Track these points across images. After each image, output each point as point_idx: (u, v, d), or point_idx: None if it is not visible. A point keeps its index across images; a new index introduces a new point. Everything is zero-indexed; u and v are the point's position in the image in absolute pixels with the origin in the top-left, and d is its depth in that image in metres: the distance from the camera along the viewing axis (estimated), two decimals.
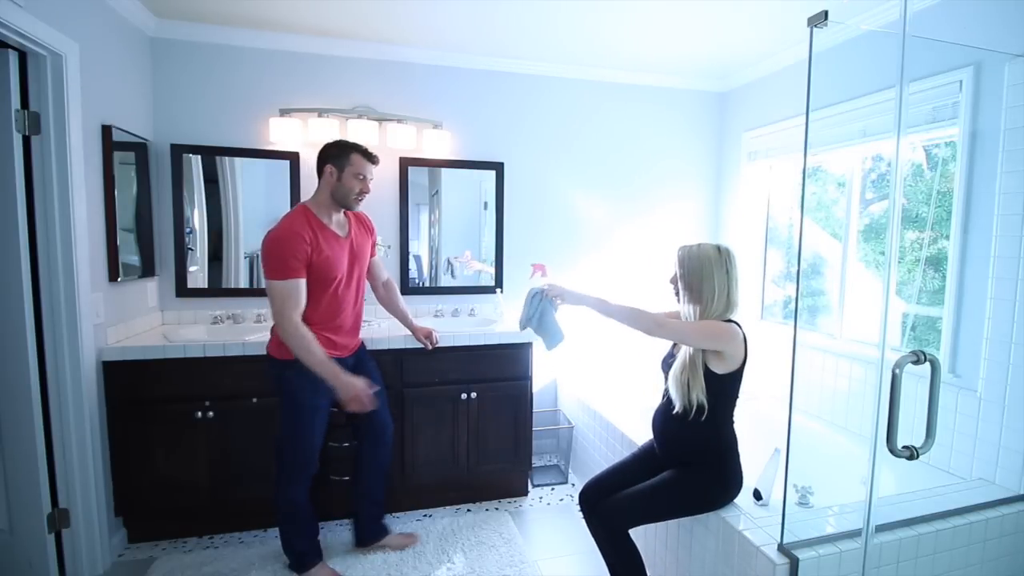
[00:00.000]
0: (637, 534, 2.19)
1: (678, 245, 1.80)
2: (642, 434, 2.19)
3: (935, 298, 2.25)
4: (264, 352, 2.08)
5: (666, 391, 1.79)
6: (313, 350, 1.90)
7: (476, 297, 3.13)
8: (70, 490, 2.04)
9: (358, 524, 2.31)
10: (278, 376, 2.02)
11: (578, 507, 1.96)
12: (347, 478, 2.45)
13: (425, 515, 2.58)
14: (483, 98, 3.09)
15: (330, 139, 2.74)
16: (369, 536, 2.30)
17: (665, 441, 1.82)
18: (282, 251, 1.87)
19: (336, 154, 2.00)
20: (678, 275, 1.77)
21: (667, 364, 1.86)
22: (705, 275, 1.69)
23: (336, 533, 2.44)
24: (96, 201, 2.18)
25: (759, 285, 3.25)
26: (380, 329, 2.66)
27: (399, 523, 2.53)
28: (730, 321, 1.69)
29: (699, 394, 1.66)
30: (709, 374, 1.67)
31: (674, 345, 1.88)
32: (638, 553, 1.77)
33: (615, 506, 1.75)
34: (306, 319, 1.93)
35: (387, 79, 2.93)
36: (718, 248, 1.72)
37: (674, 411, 1.72)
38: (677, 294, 1.80)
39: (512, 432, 2.69)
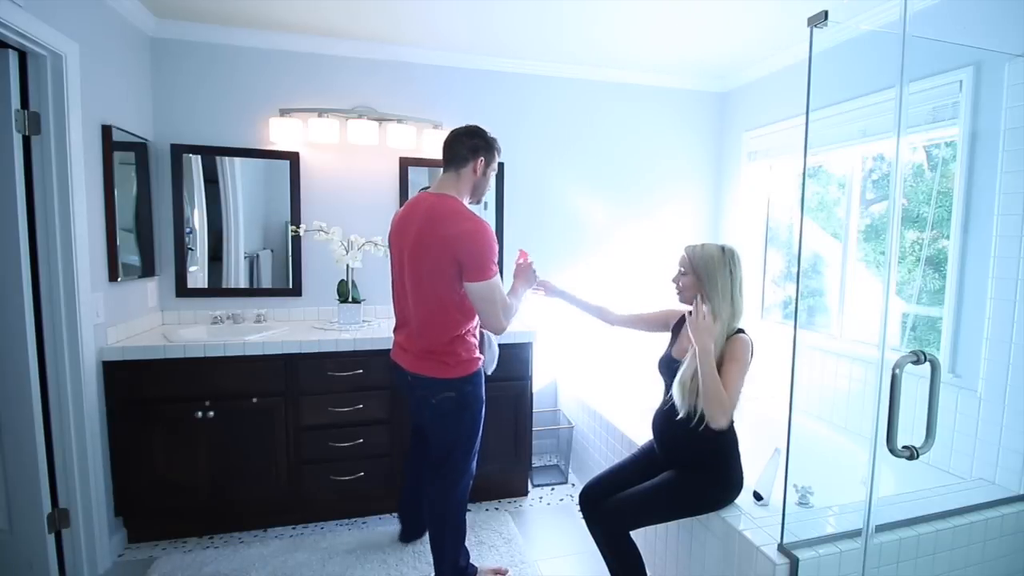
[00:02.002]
0: (637, 534, 2.19)
1: (678, 245, 1.79)
2: (642, 434, 2.19)
3: (935, 298, 2.25)
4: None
5: (669, 394, 1.78)
6: (516, 305, 1.90)
7: None
8: (70, 490, 2.04)
9: (408, 521, 2.33)
10: (460, 394, 1.87)
11: (578, 508, 1.96)
12: (348, 478, 2.46)
13: None
14: (483, 98, 3.09)
15: (330, 139, 2.76)
16: (420, 531, 2.34)
17: (666, 442, 1.81)
18: (492, 248, 1.74)
19: (486, 146, 1.88)
20: (687, 273, 1.75)
21: (664, 365, 1.85)
22: (710, 275, 1.68)
23: (336, 533, 2.43)
24: (96, 201, 2.18)
25: (759, 285, 3.25)
26: (380, 329, 2.66)
27: (398, 523, 2.53)
28: (740, 331, 1.68)
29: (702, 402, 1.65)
30: None
31: (671, 346, 1.88)
32: (639, 554, 1.77)
33: (616, 508, 1.74)
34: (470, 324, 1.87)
35: (387, 79, 2.93)
36: (722, 248, 1.71)
37: (678, 417, 1.69)
38: (679, 293, 1.79)
39: (512, 432, 2.69)
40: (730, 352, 1.64)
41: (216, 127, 2.73)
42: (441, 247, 1.72)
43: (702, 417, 1.63)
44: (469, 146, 1.85)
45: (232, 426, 2.34)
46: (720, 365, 1.63)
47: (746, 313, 1.75)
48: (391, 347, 2.03)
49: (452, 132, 1.89)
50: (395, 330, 1.99)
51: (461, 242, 1.70)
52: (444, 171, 1.88)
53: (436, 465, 1.95)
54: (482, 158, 1.87)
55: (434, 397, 1.86)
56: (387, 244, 2.50)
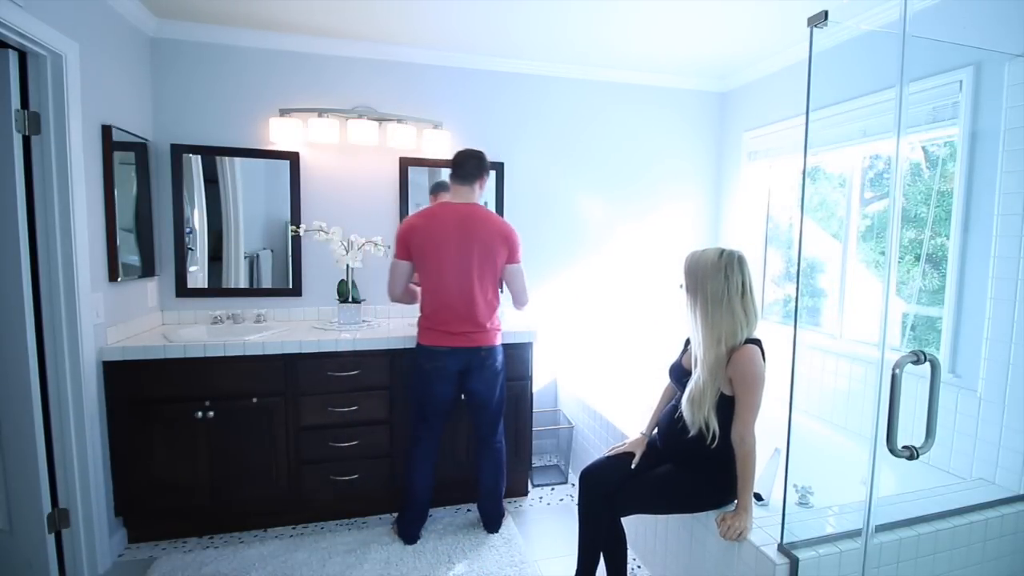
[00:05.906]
0: (636, 534, 2.19)
1: (679, 245, 1.78)
2: None
3: (935, 298, 2.25)
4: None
5: (678, 397, 1.77)
6: None
7: None
8: (70, 490, 2.03)
9: (422, 518, 2.41)
10: (503, 360, 2.37)
11: (577, 482, 1.93)
12: (347, 478, 2.46)
13: None
14: (482, 98, 3.09)
15: (330, 139, 2.77)
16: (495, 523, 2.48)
17: (668, 439, 1.81)
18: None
19: (487, 168, 2.35)
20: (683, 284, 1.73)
21: (674, 371, 1.87)
22: (701, 283, 1.64)
23: (336, 533, 2.43)
24: (96, 201, 2.18)
25: (759, 285, 3.25)
26: (379, 329, 2.66)
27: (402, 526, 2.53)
28: (750, 341, 1.61)
29: (712, 421, 1.63)
30: (722, 397, 1.64)
31: (683, 354, 1.87)
32: (626, 543, 1.76)
33: (613, 493, 1.73)
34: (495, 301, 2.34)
35: (387, 79, 2.93)
36: (720, 253, 1.64)
37: (689, 435, 1.67)
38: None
39: (512, 432, 2.69)
40: (738, 374, 1.59)
41: (216, 127, 2.73)
42: (497, 237, 2.25)
43: (714, 436, 1.63)
44: (480, 167, 2.30)
45: (232, 426, 2.34)
46: (731, 385, 1.61)
47: (759, 321, 1.66)
48: (424, 337, 2.27)
49: (463, 154, 2.30)
50: (431, 318, 2.26)
51: (511, 233, 2.29)
52: (461, 185, 2.29)
53: (493, 421, 2.38)
54: (485, 175, 2.34)
55: (496, 361, 2.32)
56: (386, 244, 2.80)
